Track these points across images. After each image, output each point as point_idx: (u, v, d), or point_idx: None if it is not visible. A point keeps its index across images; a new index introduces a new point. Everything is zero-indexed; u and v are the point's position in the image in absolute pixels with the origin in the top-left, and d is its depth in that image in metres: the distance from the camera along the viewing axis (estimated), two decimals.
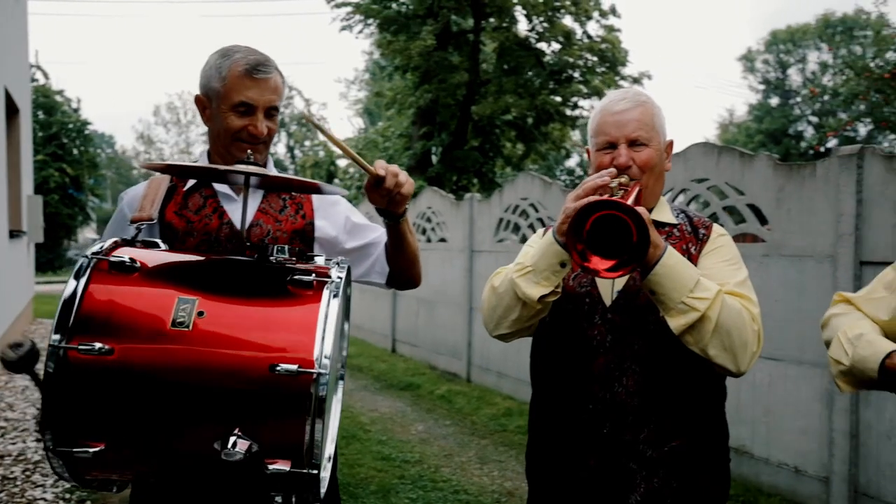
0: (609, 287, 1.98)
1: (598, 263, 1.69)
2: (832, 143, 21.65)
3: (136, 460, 1.53)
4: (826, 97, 33.57)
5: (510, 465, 5.73)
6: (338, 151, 19.10)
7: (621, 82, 15.13)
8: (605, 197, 1.73)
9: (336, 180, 25.88)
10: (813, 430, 4.66)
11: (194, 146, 49.23)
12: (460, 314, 9.03)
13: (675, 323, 1.79)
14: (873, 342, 1.63)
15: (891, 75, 11.65)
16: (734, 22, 78.60)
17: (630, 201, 1.77)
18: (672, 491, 1.91)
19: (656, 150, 2.00)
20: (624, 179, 1.93)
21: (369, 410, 7.48)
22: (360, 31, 18.73)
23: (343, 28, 18.71)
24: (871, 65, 12.37)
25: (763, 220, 5.18)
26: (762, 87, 38.76)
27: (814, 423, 4.66)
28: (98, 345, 1.46)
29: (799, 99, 36.96)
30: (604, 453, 1.92)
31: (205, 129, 2.24)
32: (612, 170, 1.90)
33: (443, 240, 9.74)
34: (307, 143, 43.08)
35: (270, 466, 1.46)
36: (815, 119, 35.41)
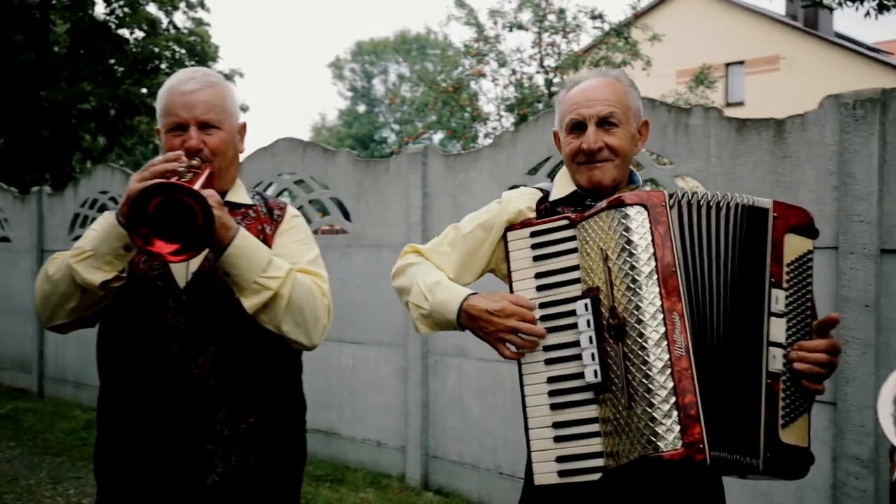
0: (183, 270, 1.92)
1: (163, 247, 1.64)
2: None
3: None
4: (405, 107, 36.97)
5: (91, 479, 5.23)
6: None
7: None
8: (171, 180, 1.65)
9: None
10: (392, 404, 5.08)
11: None
12: (28, 322, 7.99)
13: (249, 302, 1.80)
14: (451, 288, 1.80)
15: (454, 89, 13.21)
16: (324, 29, 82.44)
17: (199, 184, 1.72)
18: (250, 467, 1.92)
19: (229, 132, 1.98)
20: (196, 162, 1.87)
21: None
22: None
23: None
24: (439, 79, 13.89)
25: (346, 213, 5.50)
26: (350, 93, 41.31)
27: (392, 398, 5.08)
28: None
29: (383, 107, 40.14)
30: (177, 436, 1.86)
31: None
32: (180, 152, 1.84)
33: (5, 238, 8.52)
34: None
35: None
36: (396, 127, 38.78)
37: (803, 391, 1.58)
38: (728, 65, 23.13)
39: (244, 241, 1.80)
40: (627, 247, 1.59)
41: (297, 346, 1.91)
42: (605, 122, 1.81)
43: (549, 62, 13.02)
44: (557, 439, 1.62)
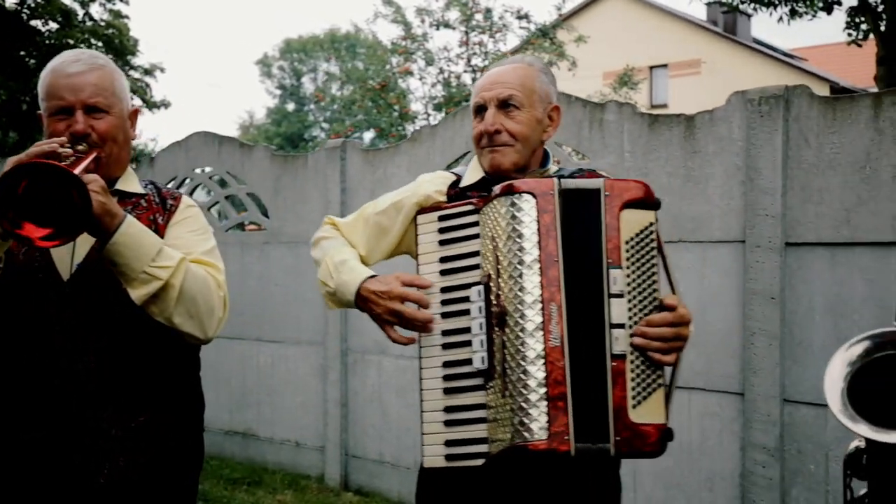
0: (68, 261, 1.83)
1: (32, 231, 1.54)
2: None
3: None
4: (335, 105, 36.67)
5: None
6: None
7: (131, 72, 14.43)
8: (47, 161, 1.56)
9: None
10: (310, 403, 4.99)
11: None
12: None
13: (137, 293, 1.73)
14: (354, 269, 1.80)
15: (381, 87, 13.14)
16: (251, 26, 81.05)
17: (80, 169, 1.64)
18: (140, 468, 1.84)
19: (118, 117, 1.90)
20: (82, 147, 1.79)
21: None
22: None
23: None
24: (368, 75, 13.79)
25: (264, 209, 5.37)
26: (279, 91, 40.69)
27: (311, 397, 4.98)
28: None
29: (312, 106, 39.70)
30: (61, 434, 1.78)
31: None
32: (63, 138, 1.75)
33: None
34: None
35: None
36: (326, 126, 38.41)
37: (653, 366, 1.57)
38: (652, 67, 23.69)
39: (131, 230, 1.72)
40: (513, 235, 1.59)
41: (190, 339, 1.85)
42: (505, 105, 1.81)
43: (477, 61, 13.07)
44: (448, 423, 1.63)
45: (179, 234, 1.96)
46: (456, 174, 1.92)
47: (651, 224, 1.63)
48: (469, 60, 13.08)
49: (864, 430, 1.14)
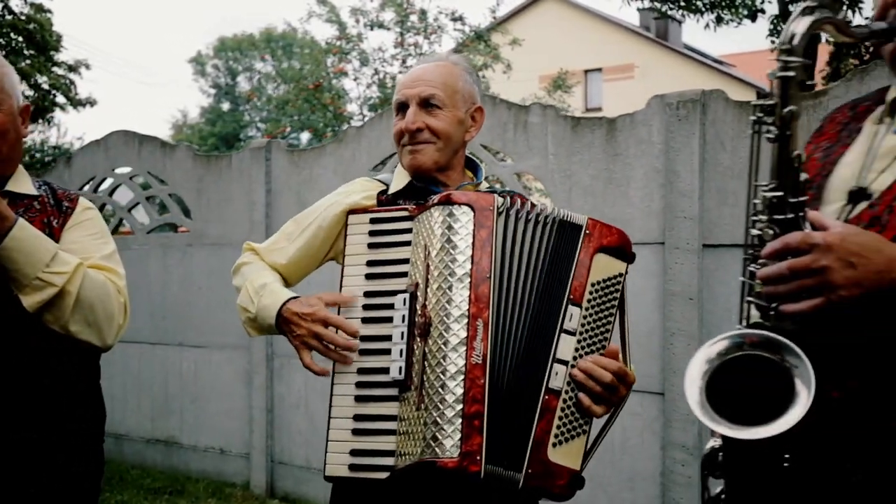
0: None
1: None
2: None
3: None
4: (271, 105, 36.17)
5: None
6: None
7: (54, 68, 13.93)
8: None
9: None
10: (236, 410, 4.88)
11: None
12: None
13: (30, 300, 1.68)
14: (275, 291, 1.73)
15: (315, 87, 12.99)
16: (185, 22, 79.32)
17: None
18: (26, 484, 1.75)
19: (8, 114, 1.84)
20: None
21: None
22: None
23: None
24: (304, 73, 13.61)
25: (186, 211, 5.23)
26: (213, 91, 39.89)
27: (236, 403, 4.87)
28: None
29: (248, 105, 39.05)
30: None
31: None
32: None
33: None
34: None
35: None
36: (263, 126, 37.83)
37: (583, 412, 1.55)
38: (587, 71, 24.04)
39: (23, 234, 1.66)
40: (447, 246, 1.56)
41: (88, 346, 1.79)
42: (427, 104, 1.77)
43: (412, 62, 13.02)
44: (356, 432, 1.57)
45: (76, 238, 1.89)
46: (382, 181, 1.87)
47: (621, 274, 1.63)
48: (404, 61, 13.04)
49: (724, 429, 1.15)
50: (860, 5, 9.62)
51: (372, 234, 1.69)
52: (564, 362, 1.55)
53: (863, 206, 1.28)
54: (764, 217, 1.25)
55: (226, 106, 39.81)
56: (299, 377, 4.61)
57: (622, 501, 3.57)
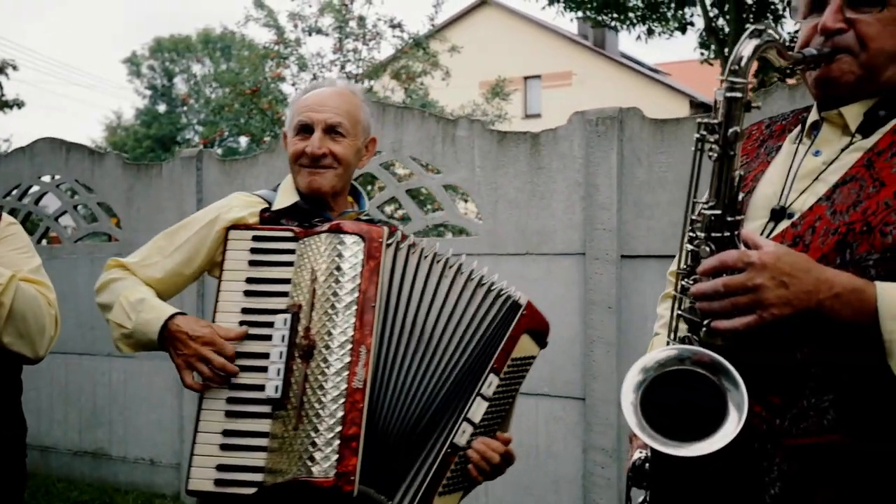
0: None
1: None
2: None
3: None
4: (209, 108, 35.54)
5: None
6: None
7: None
8: None
9: None
10: (166, 420, 4.84)
11: None
12: None
13: None
14: (156, 306, 1.71)
15: (252, 92, 12.87)
16: (117, 22, 77.31)
17: None
18: None
19: None
20: None
21: None
22: None
23: None
24: (242, 76, 13.45)
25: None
26: (149, 92, 39.04)
27: (167, 414, 4.83)
28: None
29: (185, 108, 38.32)
30: None
31: None
32: None
33: None
34: None
35: None
36: (200, 128, 37.16)
37: (467, 474, 1.68)
38: (526, 78, 24.35)
39: None
40: (336, 272, 1.62)
41: (19, 358, 1.83)
42: (332, 130, 1.83)
43: (351, 68, 13.03)
44: (223, 447, 1.58)
45: (5, 252, 1.92)
46: (264, 198, 1.89)
47: (533, 357, 1.76)
48: (343, 67, 13.02)
49: (659, 445, 1.18)
50: (782, 21, 10.04)
51: (254, 251, 1.71)
52: (472, 423, 1.66)
53: (785, 224, 1.30)
54: (701, 234, 1.26)
55: (162, 108, 39.00)
56: None
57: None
